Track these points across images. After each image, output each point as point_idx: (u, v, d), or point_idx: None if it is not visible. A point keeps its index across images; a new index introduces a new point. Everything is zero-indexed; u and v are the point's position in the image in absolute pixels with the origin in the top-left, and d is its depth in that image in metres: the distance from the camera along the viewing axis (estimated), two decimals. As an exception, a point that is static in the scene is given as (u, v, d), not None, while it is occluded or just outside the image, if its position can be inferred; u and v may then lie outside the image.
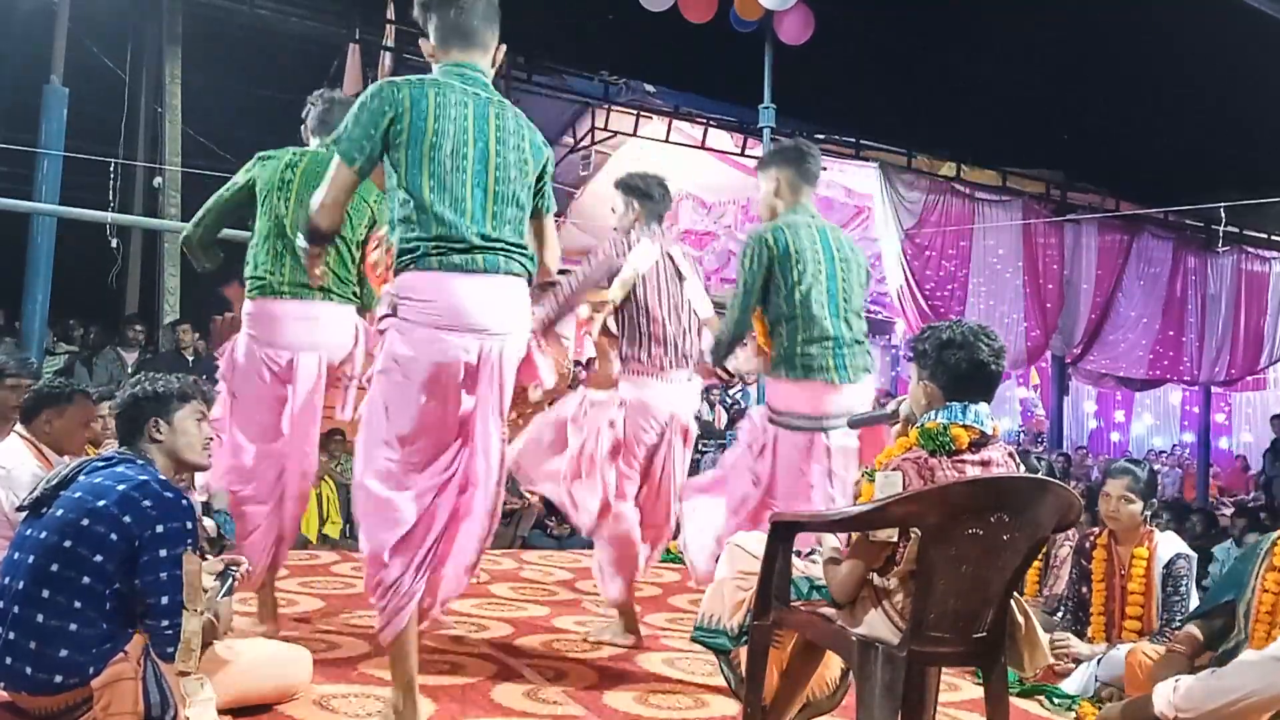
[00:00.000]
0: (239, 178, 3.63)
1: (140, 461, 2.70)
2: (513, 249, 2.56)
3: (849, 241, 3.58)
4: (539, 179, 2.70)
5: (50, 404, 3.62)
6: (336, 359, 3.57)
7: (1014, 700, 3.34)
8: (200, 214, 3.70)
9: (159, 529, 2.55)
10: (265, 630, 3.58)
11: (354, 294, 3.61)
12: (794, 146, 3.62)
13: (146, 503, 2.56)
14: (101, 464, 2.70)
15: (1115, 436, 19.88)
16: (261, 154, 3.62)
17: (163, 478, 2.69)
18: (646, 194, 3.97)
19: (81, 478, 2.65)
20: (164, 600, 2.54)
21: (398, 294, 2.54)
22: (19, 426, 3.63)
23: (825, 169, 12.96)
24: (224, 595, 2.88)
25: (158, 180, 10.55)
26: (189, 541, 2.59)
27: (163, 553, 2.54)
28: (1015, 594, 2.51)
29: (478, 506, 2.62)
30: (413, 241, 2.49)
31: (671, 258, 3.96)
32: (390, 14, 10.00)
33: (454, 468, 2.58)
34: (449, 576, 2.68)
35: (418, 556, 2.59)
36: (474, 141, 2.50)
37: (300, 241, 2.71)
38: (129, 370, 7.67)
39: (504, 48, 2.73)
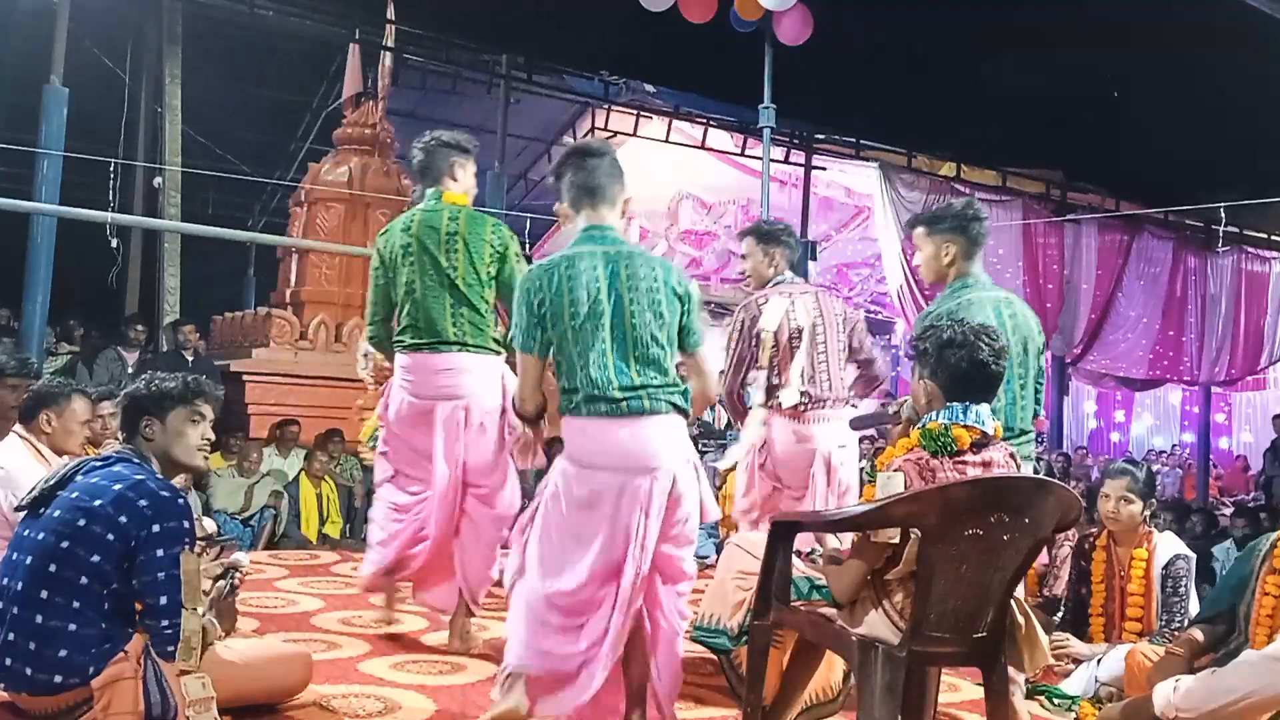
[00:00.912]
0: (374, 263, 3.74)
1: (137, 461, 2.70)
2: (656, 389, 2.73)
3: (1027, 316, 3.41)
4: (684, 315, 2.82)
5: (49, 404, 3.62)
6: (479, 406, 3.60)
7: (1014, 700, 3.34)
8: (370, 312, 3.80)
9: (155, 529, 2.55)
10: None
11: (495, 341, 3.65)
12: (963, 212, 3.40)
13: (142, 502, 2.56)
14: (99, 464, 2.70)
15: (1115, 436, 19.88)
16: (380, 233, 3.77)
17: (160, 477, 2.68)
18: (780, 240, 4.16)
19: (79, 478, 2.65)
20: (163, 600, 2.54)
21: (563, 435, 2.81)
22: (18, 427, 3.62)
23: (825, 169, 12.91)
24: (226, 597, 2.88)
25: (158, 180, 10.54)
26: (186, 540, 2.59)
27: (160, 552, 2.54)
28: (1015, 594, 2.51)
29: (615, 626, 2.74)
30: (568, 393, 2.76)
31: (793, 311, 4.04)
32: (390, 14, 9.99)
33: (601, 593, 2.74)
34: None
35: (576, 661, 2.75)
36: (608, 299, 2.72)
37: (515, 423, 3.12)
38: (129, 370, 7.67)
39: (633, 199, 2.95)
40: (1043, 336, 3.46)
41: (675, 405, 2.76)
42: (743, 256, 4.25)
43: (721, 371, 4.04)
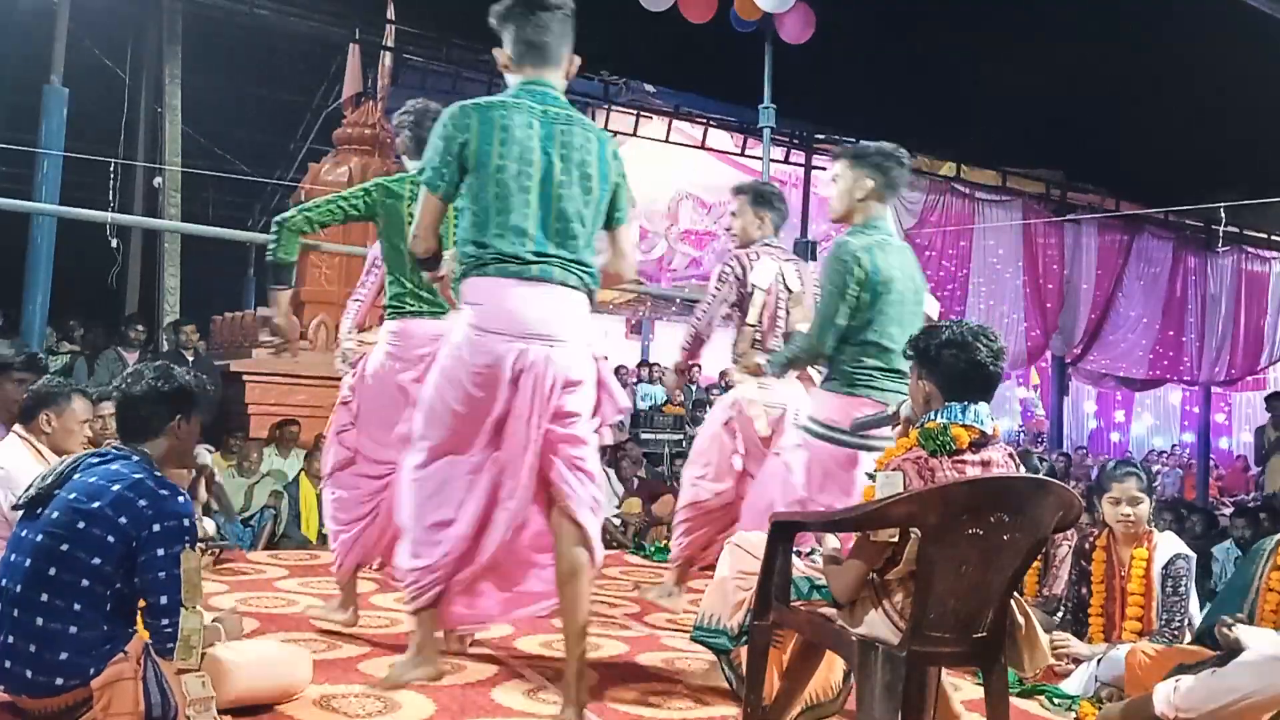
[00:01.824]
0: (358, 193, 3.66)
1: (136, 458, 2.69)
2: (570, 263, 2.65)
3: (918, 266, 3.51)
4: (612, 190, 2.75)
5: (49, 403, 3.61)
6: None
7: (1014, 700, 3.34)
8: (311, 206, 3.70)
9: (156, 528, 2.54)
10: (346, 618, 3.80)
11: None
12: (891, 152, 3.44)
13: (142, 502, 2.55)
14: (96, 460, 2.68)
15: (1115, 436, 19.88)
16: (380, 183, 3.65)
17: (158, 474, 2.67)
18: (773, 204, 4.26)
19: (76, 476, 2.64)
20: (163, 599, 2.54)
21: (462, 298, 2.71)
22: (18, 426, 3.62)
23: (825, 169, 12.91)
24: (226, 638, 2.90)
25: (158, 180, 10.55)
26: (187, 539, 2.59)
27: (160, 551, 2.54)
28: (1015, 594, 2.51)
29: (498, 518, 2.70)
30: (473, 254, 2.64)
31: (783, 274, 4.18)
32: (390, 14, 9.99)
33: (484, 470, 2.68)
34: (486, 593, 2.79)
35: (448, 543, 2.70)
36: (538, 162, 2.60)
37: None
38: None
39: (577, 60, 2.82)
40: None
41: (585, 283, 2.68)
42: (732, 214, 4.34)
43: (696, 316, 4.22)
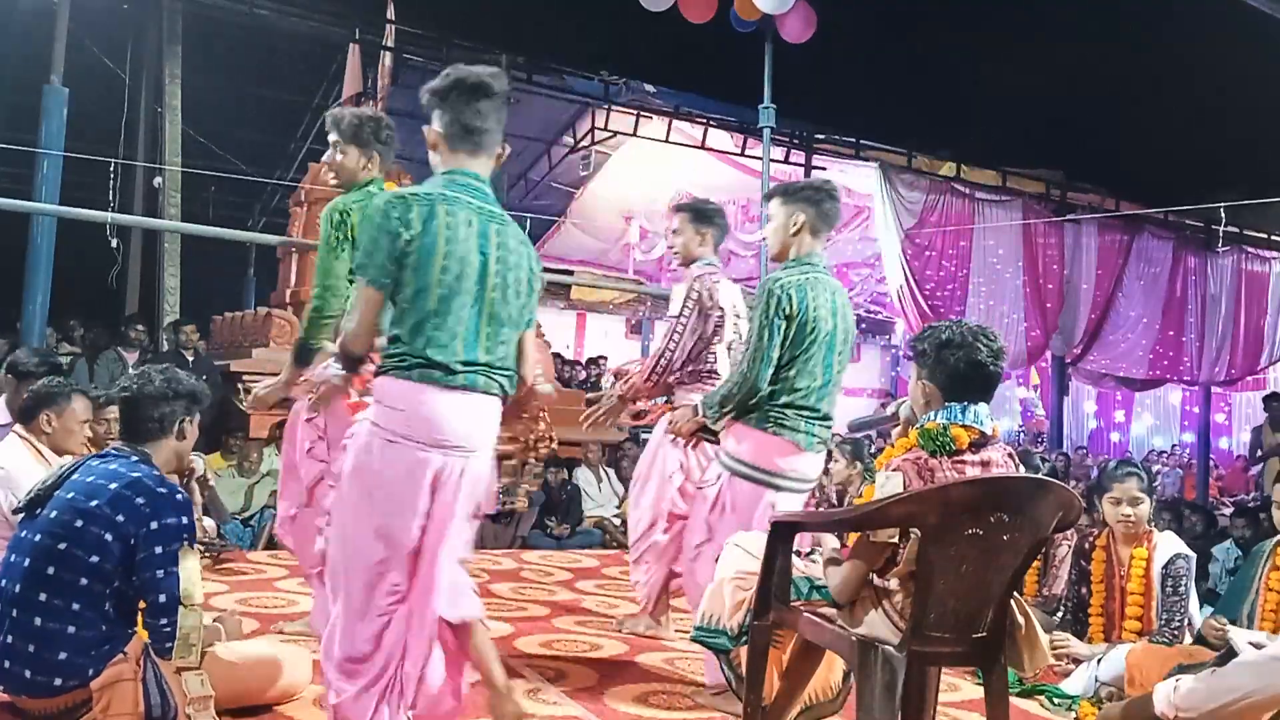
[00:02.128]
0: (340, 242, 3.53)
1: (135, 458, 2.69)
2: (496, 370, 2.56)
3: (849, 306, 3.48)
4: (531, 294, 2.67)
5: (49, 404, 3.61)
6: None
7: (1014, 700, 3.34)
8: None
9: (154, 525, 2.54)
10: None
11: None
12: (821, 186, 3.47)
13: (140, 500, 2.56)
14: (96, 461, 2.69)
15: (1115, 436, 19.88)
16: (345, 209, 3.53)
17: (157, 473, 2.68)
18: (714, 221, 4.20)
19: (75, 477, 2.64)
20: (161, 598, 2.54)
21: (374, 396, 2.55)
22: (18, 427, 3.62)
23: (825, 169, 12.91)
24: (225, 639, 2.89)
25: (158, 180, 10.55)
26: (185, 536, 2.59)
27: (159, 550, 2.54)
28: (1015, 594, 2.51)
29: (418, 627, 2.54)
30: (399, 352, 2.49)
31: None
32: (390, 14, 9.99)
33: (402, 586, 2.53)
34: (427, 693, 2.59)
35: (380, 681, 2.52)
36: (475, 265, 2.50)
37: (335, 368, 2.82)
38: (129, 370, 7.67)
39: (508, 150, 2.72)
40: None
41: (504, 389, 2.59)
42: (673, 231, 4.26)
43: (669, 346, 4.02)
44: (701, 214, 4.23)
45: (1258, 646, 2.93)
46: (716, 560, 2.98)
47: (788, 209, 3.41)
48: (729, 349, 4.10)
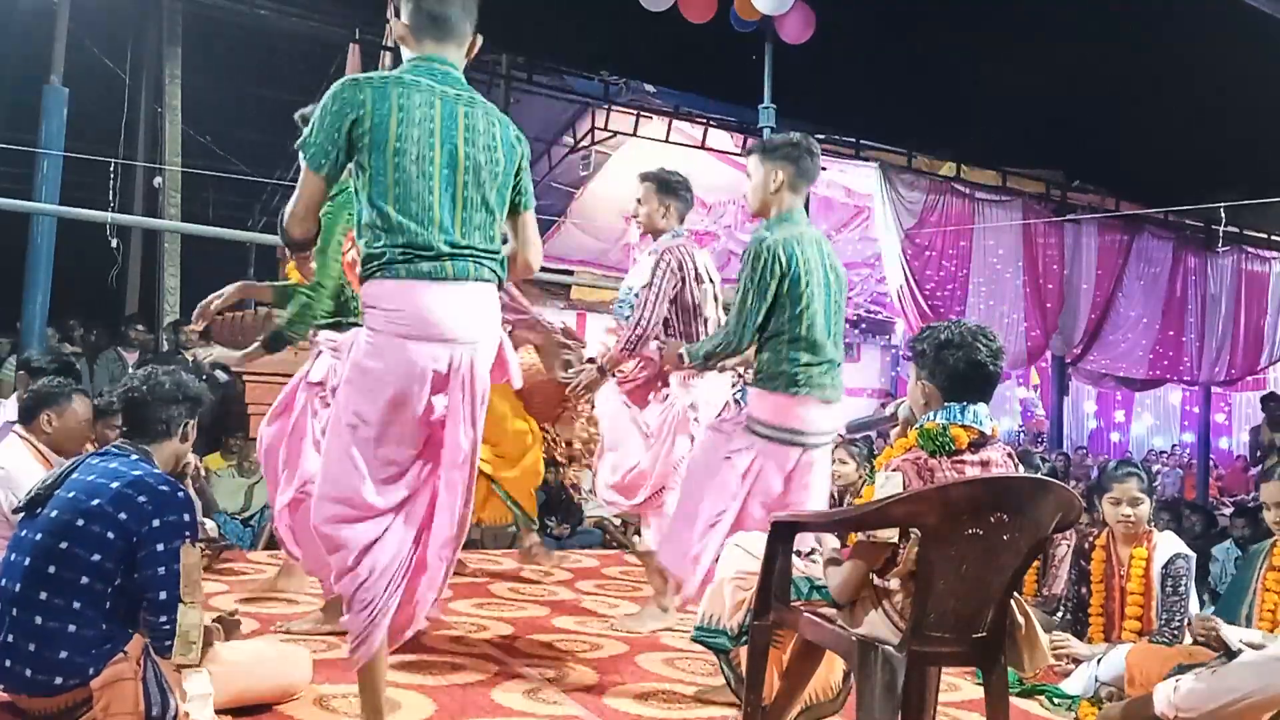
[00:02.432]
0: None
1: (135, 456, 2.70)
2: (482, 255, 2.46)
3: (835, 254, 3.54)
4: (516, 175, 2.58)
5: (49, 404, 3.61)
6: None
7: (1014, 700, 3.34)
8: None
9: (156, 523, 2.55)
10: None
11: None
12: (799, 142, 3.50)
13: (142, 498, 2.56)
14: (96, 459, 2.70)
15: (1115, 436, 19.88)
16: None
17: (158, 471, 2.68)
18: (678, 193, 4.20)
19: (75, 476, 2.65)
20: (162, 595, 2.54)
21: (364, 302, 2.48)
22: (18, 426, 3.62)
23: (825, 169, 12.95)
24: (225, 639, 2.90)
25: (158, 180, 10.55)
26: (187, 534, 2.59)
27: (160, 547, 2.54)
28: (1015, 594, 2.51)
29: (441, 524, 2.52)
30: (379, 248, 2.40)
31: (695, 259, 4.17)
32: (390, 14, 9.98)
33: (421, 480, 2.51)
34: (420, 598, 2.57)
35: (390, 571, 2.48)
36: (440, 144, 2.39)
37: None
38: (129, 370, 7.67)
39: (479, 40, 2.60)
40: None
41: (497, 275, 2.51)
42: (637, 200, 4.27)
43: (643, 316, 4.00)
44: (666, 184, 4.23)
45: (1254, 646, 2.94)
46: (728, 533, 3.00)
47: (766, 167, 3.45)
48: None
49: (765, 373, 3.36)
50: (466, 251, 2.43)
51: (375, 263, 2.41)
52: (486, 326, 2.51)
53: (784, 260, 3.29)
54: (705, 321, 4.13)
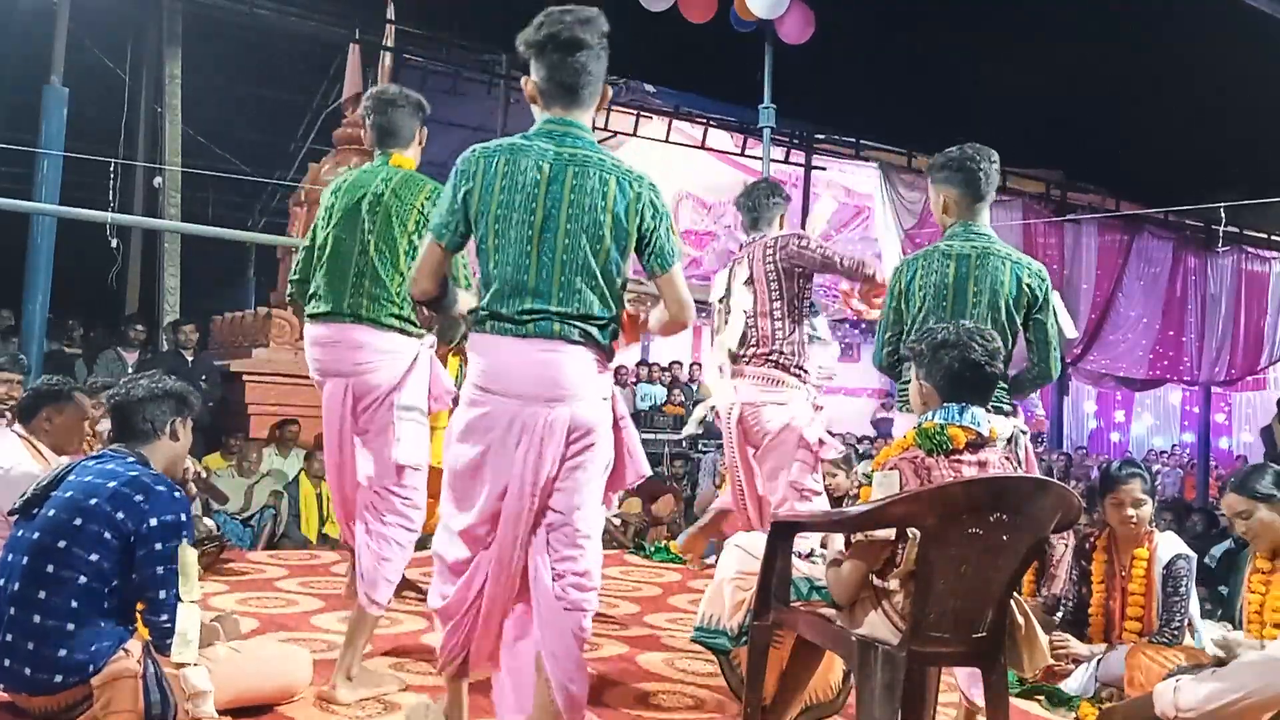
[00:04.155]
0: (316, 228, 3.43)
1: (131, 458, 2.70)
2: (571, 319, 2.44)
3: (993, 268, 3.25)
4: (640, 236, 2.50)
5: (49, 402, 3.61)
6: (362, 383, 3.21)
7: (1014, 700, 3.34)
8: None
9: (153, 522, 2.55)
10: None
11: (397, 317, 3.24)
12: (958, 155, 3.49)
13: (139, 497, 2.57)
14: (93, 461, 2.71)
15: (1115, 436, 19.90)
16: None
17: (154, 472, 2.69)
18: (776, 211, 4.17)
19: (72, 477, 2.65)
20: (161, 594, 2.54)
21: (468, 351, 2.57)
22: (17, 426, 3.62)
23: (825, 169, 12.88)
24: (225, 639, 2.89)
25: (158, 180, 10.55)
26: (184, 533, 2.60)
27: (158, 546, 2.55)
28: (1015, 594, 2.51)
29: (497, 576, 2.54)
30: (483, 304, 2.49)
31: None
32: (390, 14, 9.99)
33: (490, 534, 2.52)
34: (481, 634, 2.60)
35: (467, 606, 2.56)
36: (541, 209, 2.42)
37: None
38: (129, 370, 7.67)
39: (610, 90, 2.63)
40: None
41: (591, 337, 2.45)
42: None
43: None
44: (751, 205, 4.18)
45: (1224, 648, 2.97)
46: None
47: (932, 188, 3.51)
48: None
49: None
50: (555, 314, 2.43)
51: (477, 319, 2.50)
52: (575, 384, 2.45)
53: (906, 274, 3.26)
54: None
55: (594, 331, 2.45)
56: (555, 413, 2.42)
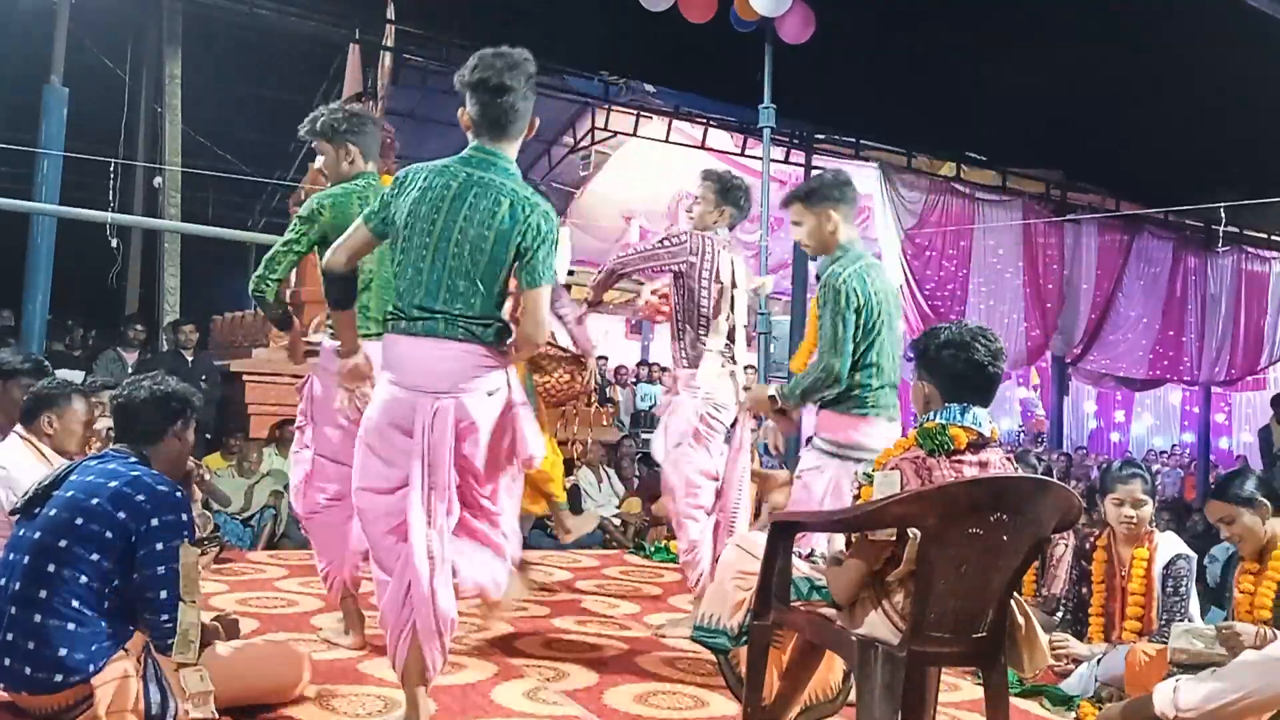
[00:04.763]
0: (300, 228, 3.55)
1: (133, 458, 2.71)
2: (457, 318, 2.74)
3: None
4: (519, 254, 2.76)
5: (50, 405, 3.60)
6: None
7: (1014, 700, 3.34)
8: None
9: (154, 522, 2.55)
10: (352, 641, 3.64)
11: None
12: (833, 180, 3.57)
13: (140, 497, 2.57)
14: (94, 461, 2.71)
15: (1115, 436, 19.89)
16: (326, 202, 3.54)
17: (155, 472, 2.69)
18: (738, 202, 4.26)
19: (73, 477, 2.66)
20: (162, 594, 2.54)
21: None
22: (19, 427, 3.62)
23: (825, 169, 12.89)
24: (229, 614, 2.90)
25: (158, 180, 10.55)
26: (185, 533, 2.60)
27: (159, 546, 2.55)
28: (1015, 594, 2.51)
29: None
30: (390, 304, 2.84)
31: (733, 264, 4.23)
32: (390, 14, 9.99)
33: (400, 514, 2.76)
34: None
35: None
36: (442, 221, 2.73)
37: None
38: (129, 370, 7.66)
39: (538, 121, 2.93)
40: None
41: (475, 334, 2.75)
42: (695, 196, 4.28)
43: (622, 257, 4.29)
44: (726, 190, 4.23)
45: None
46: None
47: (816, 212, 3.50)
48: (731, 325, 4.19)
49: (837, 395, 3.38)
50: (439, 314, 2.73)
51: (389, 316, 2.83)
52: (459, 379, 2.75)
53: (859, 291, 3.34)
54: (704, 321, 4.10)
55: (477, 330, 2.75)
56: (441, 403, 2.71)
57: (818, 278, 3.50)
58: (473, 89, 2.82)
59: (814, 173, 12.32)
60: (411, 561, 2.70)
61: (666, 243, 4.15)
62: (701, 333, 4.11)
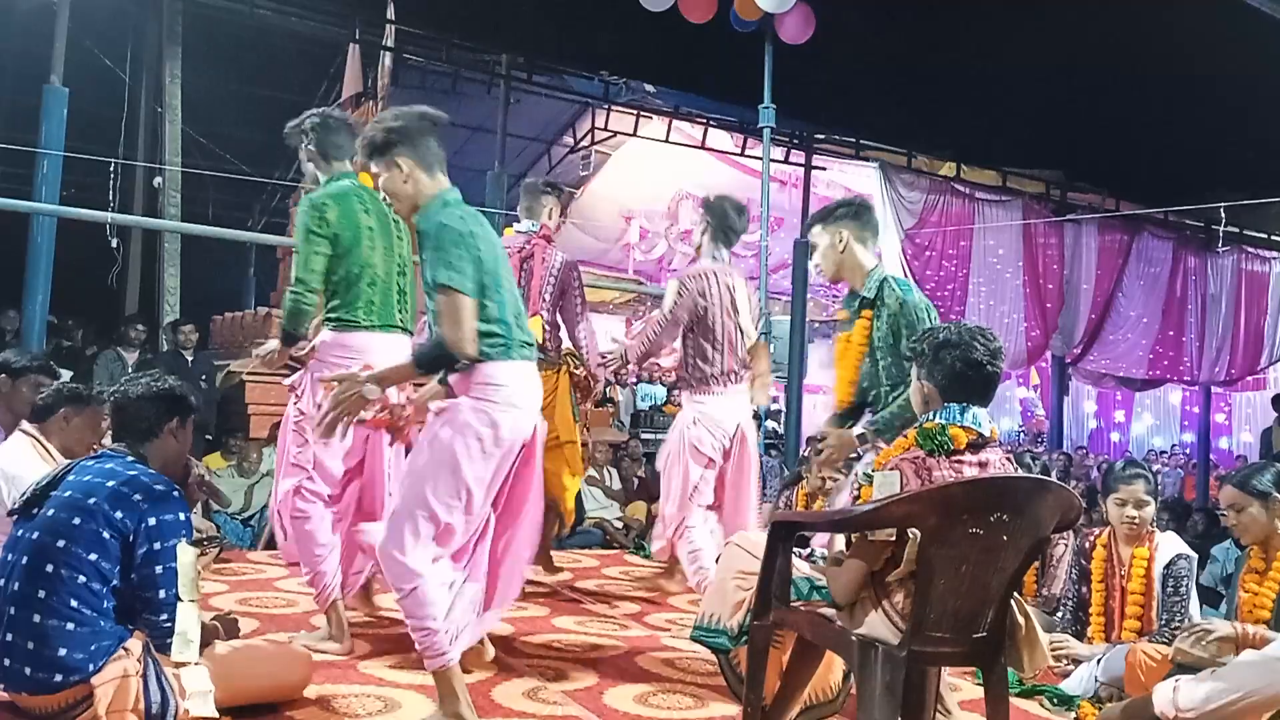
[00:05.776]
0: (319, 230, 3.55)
1: (130, 457, 2.71)
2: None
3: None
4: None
5: (70, 403, 3.61)
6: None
7: (1014, 700, 3.34)
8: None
9: (152, 521, 2.55)
10: (341, 647, 3.62)
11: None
12: (851, 201, 3.57)
13: (137, 497, 2.57)
14: (92, 460, 2.71)
15: (1115, 436, 19.89)
16: (330, 200, 3.57)
17: (153, 471, 2.69)
18: (730, 238, 4.60)
19: (71, 477, 2.66)
20: (161, 594, 2.54)
21: None
22: (26, 424, 3.61)
23: (825, 169, 12.90)
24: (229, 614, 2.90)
25: (158, 180, 10.55)
26: (183, 532, 2.60)
27: (157, 545, 2.55)
28: (1015, 594, 2.51)
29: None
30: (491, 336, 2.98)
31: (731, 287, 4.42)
32: (390, 14, 9.99)
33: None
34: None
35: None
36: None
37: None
38: (129, 370, 7.66)
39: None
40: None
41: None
42: (698, 225, 4.65)
43: (647, 334, 4.56)
44: (724, 229, 4.55)
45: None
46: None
47: (830, 231, 3.45)
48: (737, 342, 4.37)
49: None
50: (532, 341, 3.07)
51: (494, 346, 2.95)
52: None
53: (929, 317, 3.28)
54: (719, 348, 4.31)
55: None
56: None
57: (862, 299, 3.37)
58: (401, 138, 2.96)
59: (814, 173, 12.35)
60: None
61: (679, 301, 4.34)
62: (708, 358, 4.33)
